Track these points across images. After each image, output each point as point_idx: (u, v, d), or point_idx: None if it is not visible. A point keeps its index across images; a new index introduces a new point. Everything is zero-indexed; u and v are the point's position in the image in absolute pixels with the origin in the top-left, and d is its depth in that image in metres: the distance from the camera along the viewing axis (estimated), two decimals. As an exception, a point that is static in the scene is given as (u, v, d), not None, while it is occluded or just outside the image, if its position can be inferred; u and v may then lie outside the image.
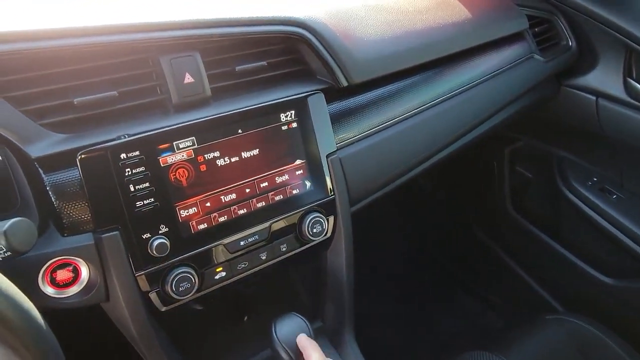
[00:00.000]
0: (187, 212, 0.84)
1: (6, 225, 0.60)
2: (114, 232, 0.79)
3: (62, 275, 0.80)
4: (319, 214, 1.01)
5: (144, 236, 0.82)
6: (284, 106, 0.95)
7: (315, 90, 1.00)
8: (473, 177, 2.06)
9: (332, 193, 1.03)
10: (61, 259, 0.79)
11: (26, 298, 0.57)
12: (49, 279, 0.79)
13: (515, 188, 1.87)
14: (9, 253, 0.61)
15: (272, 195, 0.95)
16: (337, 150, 1.03)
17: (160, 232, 0.83)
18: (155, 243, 0.81)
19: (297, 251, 1.02)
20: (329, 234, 1.05)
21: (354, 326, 1.20)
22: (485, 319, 2.03)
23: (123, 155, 0.78)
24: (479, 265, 2.14)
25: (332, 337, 1.20)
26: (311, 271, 1.22)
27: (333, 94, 1.05)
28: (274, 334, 0.90)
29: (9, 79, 0.74)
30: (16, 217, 0.75)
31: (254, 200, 0.93)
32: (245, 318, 1.17)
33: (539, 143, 1.78)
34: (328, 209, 1.04)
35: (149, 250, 0.82)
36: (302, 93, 0.98)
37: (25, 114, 0.73)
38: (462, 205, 2.16)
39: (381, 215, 2.12)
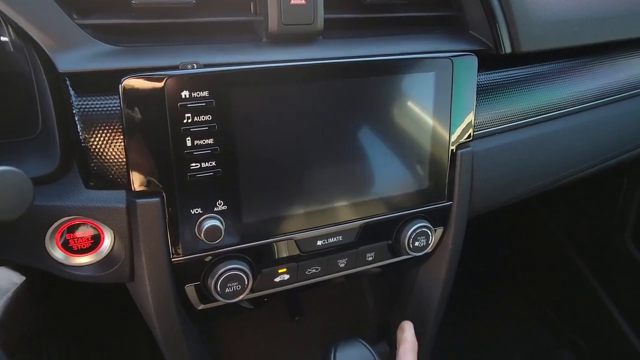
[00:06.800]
0: (256, 189, 0.59)
1: None
2: (154, 199, 0.57)
3: (79, 238, 0.59)
4: (425, 223, 0.73)
5: (194, 211, 0.58)
6: (420, 65, 0.65)
7: (467, 51, 0.69)
8: (587, 192, 1.66)
9: (450, 198, 0.74)
10: (79, 219, 0.57)
11: None
12: (59, 241, 0.58)
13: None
14: (-19, 220, 0.38)
15: (374, 187, 0.68)
16: (471, 140, 0.73)
17: (215, 209, 0.59)
18: (206, 225, 0.58)
19: (385, 263, 0.76)
20: (430, 250, 0.78)
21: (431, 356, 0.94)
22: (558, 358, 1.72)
23: (185, 93, 0.54)
24: (569, 298, 1.79)
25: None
26: (389, 281, 0.96)
27: (484, 60, 0.73)
28: None
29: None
30: (30, 148, 0.54)
31: (349, 189, 0.66)
32: (297, 319, 0.95)
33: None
34: (439, 218, 0.76)
35: (197, 232, 0.59)
36: (448, 51, 0.67)
37: (62, 6, 0.53)
38: (562, 225, 1.79)
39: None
